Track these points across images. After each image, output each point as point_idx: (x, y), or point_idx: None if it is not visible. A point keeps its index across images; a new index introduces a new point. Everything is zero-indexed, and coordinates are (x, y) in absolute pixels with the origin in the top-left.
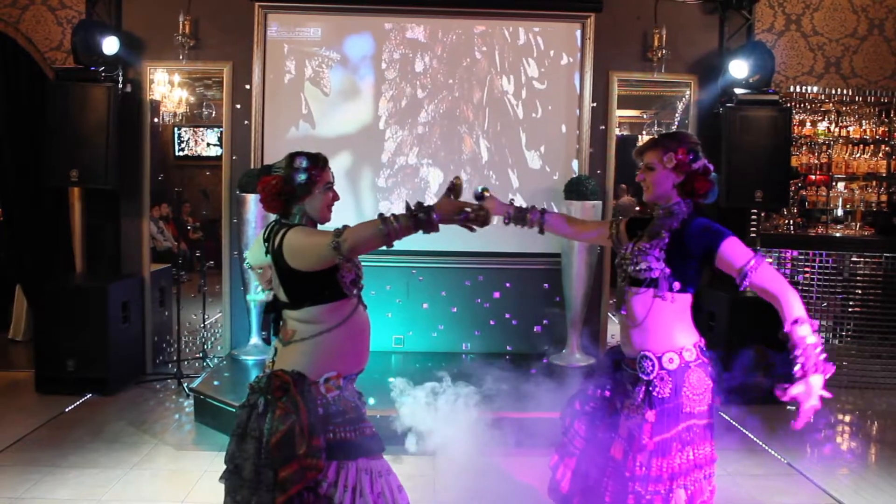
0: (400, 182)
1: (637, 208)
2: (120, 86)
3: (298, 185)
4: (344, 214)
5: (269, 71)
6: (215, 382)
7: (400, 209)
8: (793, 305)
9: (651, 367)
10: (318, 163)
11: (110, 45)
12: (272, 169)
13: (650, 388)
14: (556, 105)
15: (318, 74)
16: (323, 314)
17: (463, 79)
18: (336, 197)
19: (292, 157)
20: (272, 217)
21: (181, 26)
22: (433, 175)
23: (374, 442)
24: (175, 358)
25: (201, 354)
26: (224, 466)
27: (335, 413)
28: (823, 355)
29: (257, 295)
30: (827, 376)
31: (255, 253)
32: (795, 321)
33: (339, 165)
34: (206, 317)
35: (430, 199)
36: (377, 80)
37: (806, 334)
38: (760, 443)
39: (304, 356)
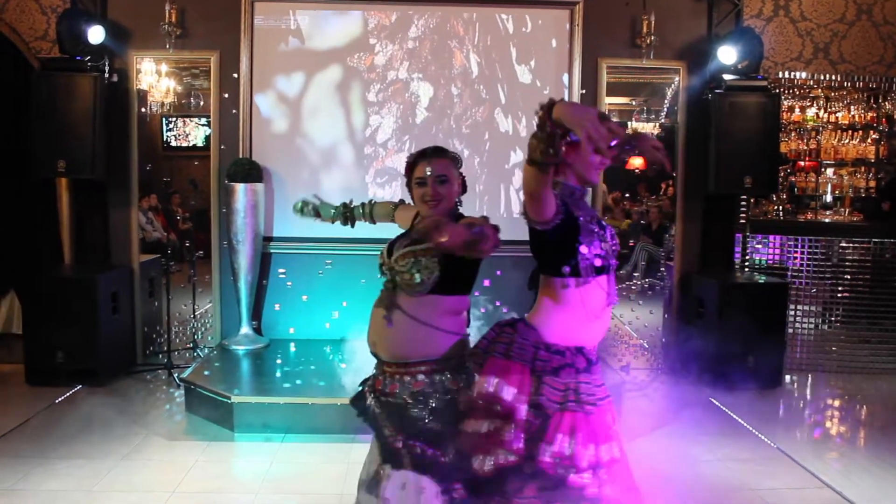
0: (390, 96)
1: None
2: (106, 75)
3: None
4: (332, 131)
5: (256, 58)
6: (206, 372)
7: (389, 124)
8: None
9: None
10: (410, 158)
11: (96, 34)
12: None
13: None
14: (546, 19)
15: None
16: None
17: None
18: (428, 193)
19: None
20: (261, 206)
21: (167, 15)
22: (423, 89)
23: None
24: (165, 348)
25: (192, 345)
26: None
27: None
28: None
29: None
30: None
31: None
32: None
33: (328, 79)
34: (197, 307)
35: (421, 114)
36: None
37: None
38: (749, 427)
39: None
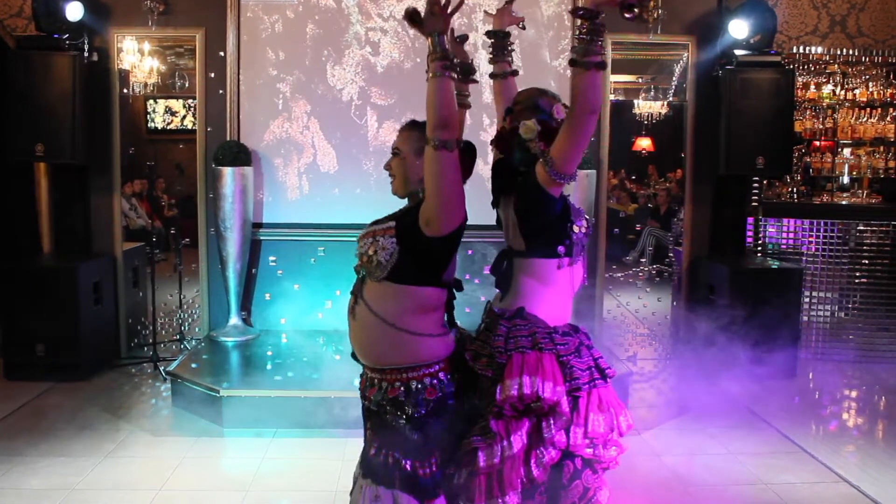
0: (384, 74)
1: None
2: (85, 54)
3: None
4: (323, 112)
5: (243, 35)
6: (193, 365)
7: (383, 102)
8: None
9: None
10: None
11: (74, 10)
12: None
13: None
14: None
15: None
16: None
17: None
18: (387, 166)
19: None
20: (250, 191)
21: None
22: (418, 66)
23: None
24: (151, 340)
25: (178, 336)
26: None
27: None
28: None
29: None
30: None
31: None
32: None
33: (319, 56)
34: (183, 297)
35: (416, 90)
36: None
37: None
38: (762, 419)
39: None
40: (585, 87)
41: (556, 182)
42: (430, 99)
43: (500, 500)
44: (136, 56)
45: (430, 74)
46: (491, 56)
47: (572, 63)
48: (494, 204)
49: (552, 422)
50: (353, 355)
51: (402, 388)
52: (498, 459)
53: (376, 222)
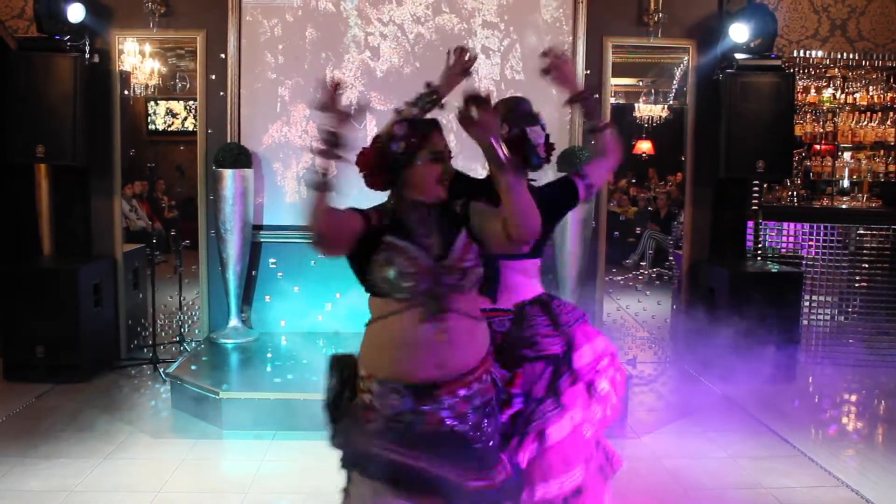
0: (385, 77)
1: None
2: (87, 56)
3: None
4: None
5: (244, 37)
6: (193, 367)
7: (384, 107)
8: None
9: None
10: (416, 127)
11: (75, 12)
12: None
13: None
14: None
15: None
16: (370, 301)
17: None
18: (450, 171)
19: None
20: (251, 194)
21: None
22: (417, 75)
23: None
24: (150, 342)
25: (178, 338)
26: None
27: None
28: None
29: None
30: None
31: None
32: None
33: (320, 58)
34: (183, 299)
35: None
36: None
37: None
38: (762, 423)
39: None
40: (612, 143)
41: (588, 197)
42: (511, 209)
43: (573, 473)
44: (137, 58)
45: (501, 182)
46: None
47: (590, 132)
48: None
49: (601, 379)
50: (426, 384)
51: (489, 378)
52: (569, 431)
53: (459, 225)
